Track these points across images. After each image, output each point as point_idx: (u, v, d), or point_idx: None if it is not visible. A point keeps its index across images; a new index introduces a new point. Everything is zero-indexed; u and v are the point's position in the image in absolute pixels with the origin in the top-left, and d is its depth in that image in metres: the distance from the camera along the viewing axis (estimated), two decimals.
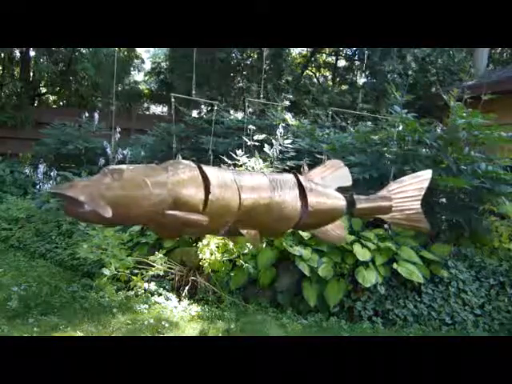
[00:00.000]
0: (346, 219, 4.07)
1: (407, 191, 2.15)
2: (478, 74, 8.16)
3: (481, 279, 3.89)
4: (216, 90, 10.35)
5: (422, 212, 2.14)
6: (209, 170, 1.73)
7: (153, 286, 3.84)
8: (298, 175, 1.98)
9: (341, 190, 2.11)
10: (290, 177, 1.98)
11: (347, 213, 2.09)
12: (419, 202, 2.14)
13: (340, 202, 2.04)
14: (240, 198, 1.73)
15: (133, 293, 3.79)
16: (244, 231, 1.84)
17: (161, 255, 3.80)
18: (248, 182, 1.80)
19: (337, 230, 2.11)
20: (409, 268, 3.69)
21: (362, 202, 2.10)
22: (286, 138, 4.85)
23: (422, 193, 2.15)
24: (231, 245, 3.80)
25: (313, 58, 12.69)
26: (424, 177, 2.17)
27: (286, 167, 4.73)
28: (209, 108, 9.38)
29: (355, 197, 2.09)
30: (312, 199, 1.92)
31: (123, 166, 1.55)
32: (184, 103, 6.65)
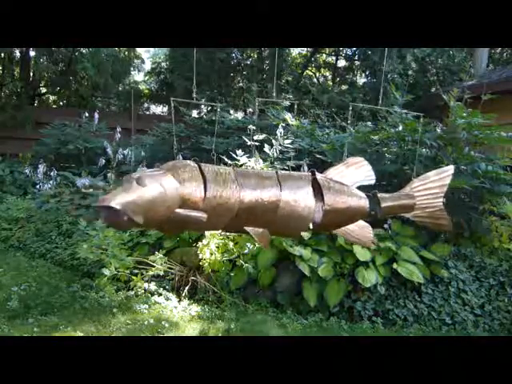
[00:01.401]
0: None
1: (430, 188, 2.12)
2: (477, 74, 8.16)
3: (481, 279, 3.89)
4: (216, 90, 10.35)
5: (444, 209, 2.12)
6: (206, 169, 1.74)
7: (153, 286, 3.84)
8: (316, 173, 1.95)
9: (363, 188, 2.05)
10: (304, 175, 1.95)
11: (371, 212, 2.04)
12: (441, 199, 2.12)
13: (361, 200, 1.99)
14: (239, 196, 1.73)
15: (133, 293, 3.79)
16: (249, 229, 1.83)
17: (161, 255, 3.80)
18: (251, 180, 1.80)
19: (362, 230, 2.07)
20: (409, 268, 3.69)
21: (387, 201, 2.06)
22: (286, 138, 4.85)
23: (445, 189, 2.12)
24: (231, 245, 3.80)
25: (313, 58, 12.69)
26: (446, 173, 2.15)
27: (286, 167, 4.73)
28: (209, 108, 9.38)
29: (379, 195, 2.05)
30: (329, 197, 1.89)
31: (142, 173, 1.61)
32: (184, 103, 6.65)
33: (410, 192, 2.11)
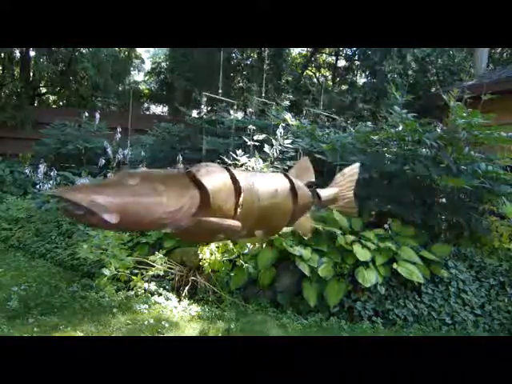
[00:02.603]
0: (346, 219, 4.08)
1: (347, 182, 2.47)
2: (477, 73, 8.16)
3: (481, 279, 3.89)
4: (216, 90, 10.35)
5: (353, 199, 2.50)
6: (238, 174, 1.66)
7: (153, 286, 3.84)
8: (288, 174, 2.09)
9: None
10: (283, 176, 2.06)
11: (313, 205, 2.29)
12: (353, 191, 2.49)
13: (310, 195, 2.21)
14: (259, 201, 1.71)
15: (133, 293, 3.79)
16: (257, 232, 1.84)
17: (161, 255, 3.80)
18: (263, 184, 1.80)
19: (307, 220, 2.29)
20: (409, 268, 3.69)
21: (325, 195, 2.31)
22: (286, 138, 4.85)
23: (354, 183, 2.50)
24: (231, 245, 3.80)
25: (313, 58, 12.70)
26: (355, 170, 2.52)
27: (286, 167, 4.73)
28: (209, 108, 9.38)
29: (318, 190, 2.27)
30: (300, 196, 2.03)
31: (139, 171, 1.47)
32: (185, 103, 6.65)
33: (335, 186, 2.44)
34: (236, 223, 1.57)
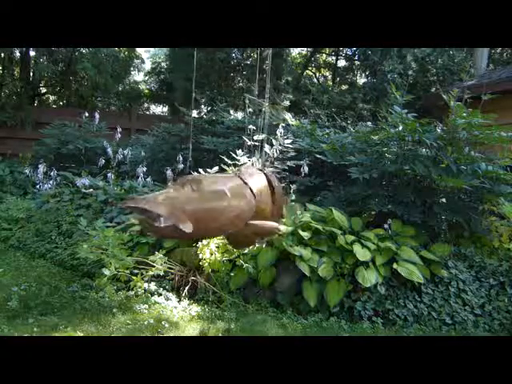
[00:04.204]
0: (346, 219, 4.07)
1: None
2: (477, 74, 8.16)
3: (481, 279, 3.89)
4: (216, 90, 10.36)
5: None
6: (272, 177, 1.65)
7: (153, 286, 3.84)
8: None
9: None
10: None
11: None
12: None
13: None
14: (286, 202, 1.71)
15: (133, 293, 3.78)
16: None
17: (161, 255, 3.79)
18: (280, 185, 1.78)
19: None
20: (409, 268, 3.69)
21: None
22: (286, 138, 4.85)
23: None
24: None
25: (313, 58, 12.70)
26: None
27: (286, 167, 4.73)
28: (209, 108, 9.38)
29: None
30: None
31: (201, 176, 1.45)
32: (184, 104, 6.67)
33: None
34: (276, 225, 1.57)
